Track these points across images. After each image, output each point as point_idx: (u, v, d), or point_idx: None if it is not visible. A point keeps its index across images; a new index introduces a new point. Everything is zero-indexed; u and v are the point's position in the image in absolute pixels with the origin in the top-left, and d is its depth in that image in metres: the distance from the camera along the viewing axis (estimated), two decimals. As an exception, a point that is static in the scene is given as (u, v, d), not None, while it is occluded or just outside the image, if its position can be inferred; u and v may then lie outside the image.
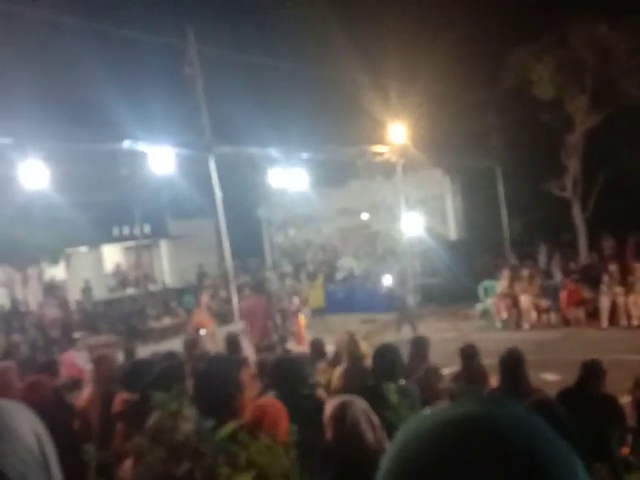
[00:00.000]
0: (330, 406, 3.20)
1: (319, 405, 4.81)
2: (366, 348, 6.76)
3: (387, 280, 17.45)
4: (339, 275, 22.64)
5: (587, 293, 14.87)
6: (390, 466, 0.76)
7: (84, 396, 6.19)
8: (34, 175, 10.77)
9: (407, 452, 0.74)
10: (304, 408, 4.27)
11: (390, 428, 2.90)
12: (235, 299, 13.91)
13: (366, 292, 19.70)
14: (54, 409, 5.16)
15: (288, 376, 4.88)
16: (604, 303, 14.33)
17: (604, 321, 14.23)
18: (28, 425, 1.07)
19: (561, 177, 19.74)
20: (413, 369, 6.12)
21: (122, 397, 5.27)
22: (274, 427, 3.68)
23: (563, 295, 15.03)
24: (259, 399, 4.44)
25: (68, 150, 12.20)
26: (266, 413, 3.86)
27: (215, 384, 4.79)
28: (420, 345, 6.83)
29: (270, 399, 4.36)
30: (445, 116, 17.85)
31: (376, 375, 5.23)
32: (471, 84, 18.03)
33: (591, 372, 5.39)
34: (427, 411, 0.80)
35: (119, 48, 17.09)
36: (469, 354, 6.59)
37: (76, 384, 6.95)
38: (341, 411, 3.08)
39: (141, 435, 2.77)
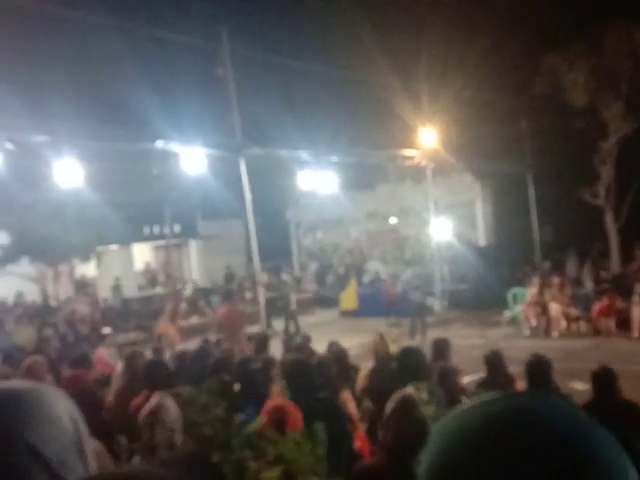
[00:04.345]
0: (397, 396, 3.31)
1: (334, 408, 4.82)
2: (395, 350, 6.75)
3: (402, 284, 17.32)
4: (365, 279, 22.61)
5: (619, 303, 14.65)
6: (434, 459, 0.75)
7: (114, 391, 6.28)
8: (68, 173, 10.97)
9: (454, 445, 0.73)
10: (318, 411, 4.29)
11: (420, 427, 2.92)
12: (262, 300, 13.99)
13: (388, 296, 19.58)
14: (90, 403, 5.26)
15: (303, 379, 4.88)
16: (636, 313, 14.09)
17: (635, 331, 13.99)
18: (66, 411, 1.09)
19: (594, 184, 19.47)
20: (434, 371, 6.09)
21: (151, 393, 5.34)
22: (296, 426, 3.72)
23: (596, 305, 14.82)
24: (273, 400, 4.46)
25: (102, 149, 12.39)
26: (289, 413, 3.90)
27: (248, 382, 4.87)
28: (440, 347, 6.79)
29: (284, 400, 4.38)
30: (476, 121, 17.72)
31: (400, 376, 5.23)
32: (503, 89, 17.90)
33: (603, 379, 5.30)
34: (469, 404, 0.79)
35: (153, 49, 17.32)
36: (494, 361, 6.52)
37: (107, 380, 7.06)
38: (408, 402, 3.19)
39: (170, 428, 2.83)
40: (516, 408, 0.74)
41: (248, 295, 19.80)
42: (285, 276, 19.12)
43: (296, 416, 4.21)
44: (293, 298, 17.50)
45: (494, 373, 6.43)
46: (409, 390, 3.41)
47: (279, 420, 4.08)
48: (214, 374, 4.87)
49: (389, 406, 3.27)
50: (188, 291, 22.12)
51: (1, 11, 13.80)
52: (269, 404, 4.35)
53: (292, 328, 16.66)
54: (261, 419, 2.89)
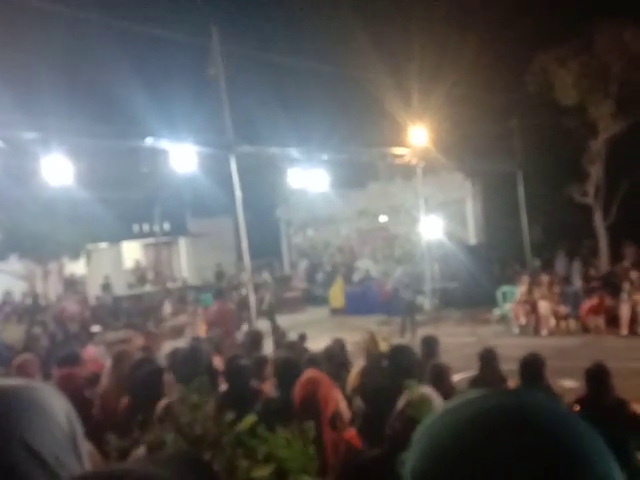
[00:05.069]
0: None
1: None
2: (385, 348, 6.77)
3: (393, 282, 17.36)
4: (356, 277, 22.64)
5: (607, 300, 14.75)
6: (420, 457, 0.74)
7: (102, 389, 6.26)
8: (58, 171, 10.90)
9: (439, 444, 0.73)
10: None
11: (410, 425, 2.94)
12: (252, 298, 13.96)
13: (380, 294, 19.64)
14: (81, 402, 5.27)
15: (292, 377, 4.88)
16: (624, 311, 14.19)
17: (624, 329, 14.08)
18: (60, 408, 1.09)
19: (583, 183, 19.57)
20: (424, 368, 6.11)
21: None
22: (327, 399, 3.75)
23: (586, 303, 14.91)
24: (307, 372, 4.45)
25: (91, 146, 12.32)
26: (321, 385, 3.92)
27: (242, 380, 4.88)
28: (430, 344, 6.83)
29: (318, 372, 4.39)
30: (467, 119, 17.77)
31: (392, 374, 5.24)
32: (494, 87, 17.94)
33: (597, 377, 5.32)
34: (456, 402, 0.77)
35: (144, 47, 17.27)
36: (488, 358, 6.56)
37: (96, 378, 7.03)
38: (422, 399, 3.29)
39: (160, 426, 2.83)
40: (503, 406, 0.74)
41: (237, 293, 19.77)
42: (265, 275, 19.03)
43: (328, 389, 4.19)
44: (267, 298, 17.43)
45: (487, 371, 6.46)
46: (425, 389, 3.51)
47: (311, 392, 4.07)
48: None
49: (401, 402, 3.35)
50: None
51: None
52: (303, 376, 4.34)
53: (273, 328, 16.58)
54: (251, 417, 2.89)
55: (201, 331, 15.35)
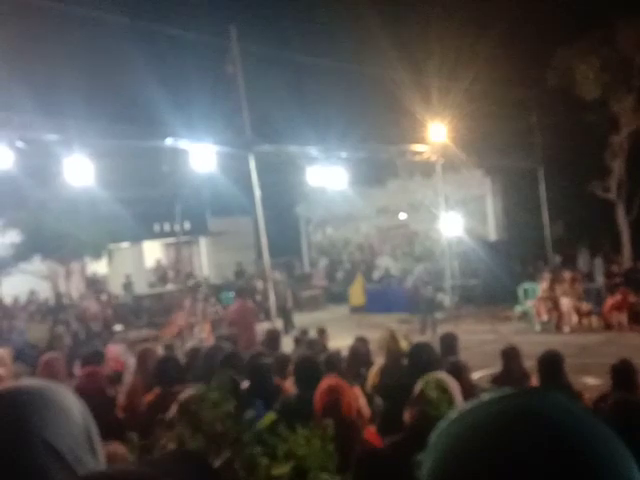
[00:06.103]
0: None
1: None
2: (405, 346, 6.76)
3: (413, 280, 17.32)
4: (376, 274, 22.61)
5: (631, 297, 14.60)
6: (438, 459, 0.74)
7: (126, 389, 6.32)
8: (79, 171, 11.02)
9: (460, 445, 0.72)
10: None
11: (430, 423, 2.94)
12: (272, 296, 14.00)
13: (403, 292, 19.61)
14: (104, 401, 5.34)
15: (310, 374, 4.90)
16: (648, 308, 14.06)
17: (648, 326, 13.95)
18: (76, 407, 1.12)
19: (605, 178, 19.37)
20: (443, 365, 6.10)
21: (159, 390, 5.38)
22: (350, 407, 3.76)
23: (608, 299, 14.76)
24: (327, 380, 4.48)
25: (112, 147, 12.43)
26: (344, 393, 3.93)
27: (265, 377, 4.91)
28: (449, 342, 6.81)
29: (337, 379, 4.41)
30: (486, 115, 17.65)
31: (412, 372, 5.23)
32: (514, 83, 17.82)
33: (623, 374, 5.25)
34: (474, 403, 0.77)
35: (163, 47, 17.37)
36: (510, 355, 6.53)
37: (118, 377, 7.11)
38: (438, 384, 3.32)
39: (182, 424, 2.85)
40: (521, 408, 0.73)
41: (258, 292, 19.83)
42: (277, 274, 19.05)
43: (351, 396, 4.20)
44: (289, 296, 17.47)
45: (510, 368, 6.43)
46: (440, 374, 3.52)
47: (334, 400, 4.07)
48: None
49: (417, 387, 3.37)
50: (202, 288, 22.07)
51: (13, 10, 13.89)
52: (323, 383, 4.34)
53: (288, 326, 16.59)
54: (271, 415, 2.91)
55: (206, 330, 15.49)
